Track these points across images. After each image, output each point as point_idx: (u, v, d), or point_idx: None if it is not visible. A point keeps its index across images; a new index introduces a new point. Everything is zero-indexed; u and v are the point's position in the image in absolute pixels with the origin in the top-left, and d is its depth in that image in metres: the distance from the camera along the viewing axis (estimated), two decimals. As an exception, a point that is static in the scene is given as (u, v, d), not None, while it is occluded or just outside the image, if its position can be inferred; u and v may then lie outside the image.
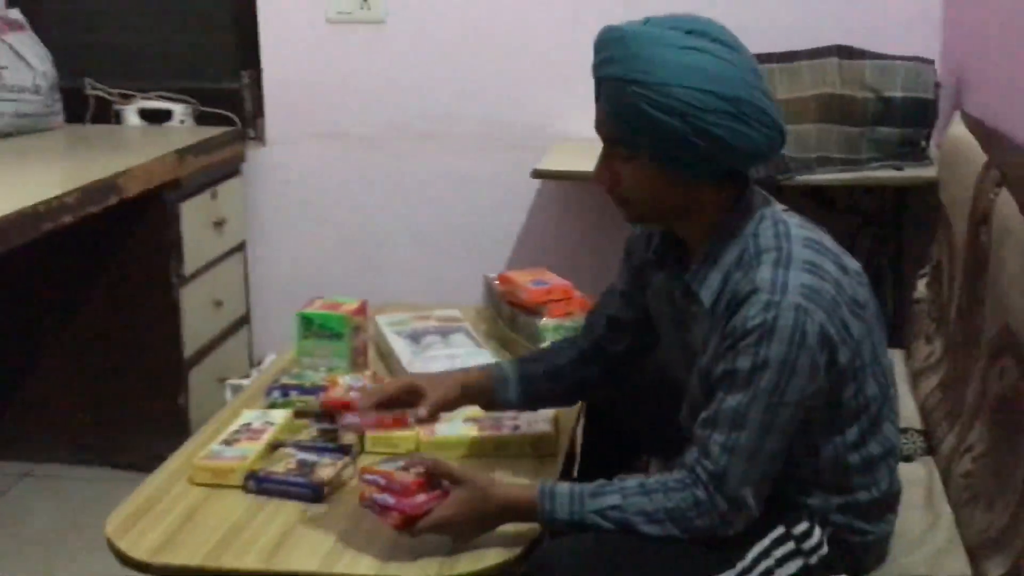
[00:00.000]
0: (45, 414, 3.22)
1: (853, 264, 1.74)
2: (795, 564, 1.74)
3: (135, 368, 3.11)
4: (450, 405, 1.95)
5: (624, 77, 1.64)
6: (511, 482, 1.86)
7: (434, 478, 1.73)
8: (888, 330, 2.99)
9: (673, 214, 1.76)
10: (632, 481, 1.71)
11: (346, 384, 2.08)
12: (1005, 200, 1.94)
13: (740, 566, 1.71)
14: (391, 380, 2.15)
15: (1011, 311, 1.84)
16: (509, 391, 1.98)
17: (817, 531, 1.75)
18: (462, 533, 1.73)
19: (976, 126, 2.44)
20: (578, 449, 2.25)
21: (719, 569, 1.70)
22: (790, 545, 1.74)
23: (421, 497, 1.70)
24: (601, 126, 1.71)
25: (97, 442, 3.19)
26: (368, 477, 1.75)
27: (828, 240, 1.75)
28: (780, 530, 1.74)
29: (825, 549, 1.75)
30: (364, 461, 1.97)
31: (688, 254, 1.78)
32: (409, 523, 1.69)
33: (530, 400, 2.02)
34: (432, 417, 1.93)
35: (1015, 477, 1.73)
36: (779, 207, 1.77)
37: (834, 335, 1.64)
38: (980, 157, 2.21)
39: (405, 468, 1.74)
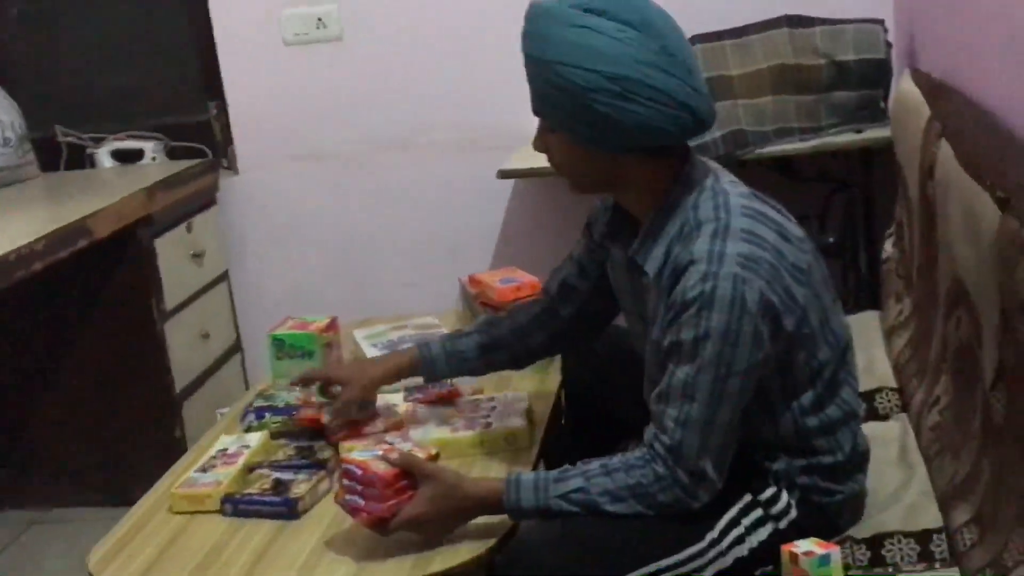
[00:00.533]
0: (48, 460, 3.26)
1: (796, 231, 1.76)
2: (766, 530, 1.76)
3: (130, 406, 3.14)
4: (368, 394, 2.09)
5: (529, 53, 1.72)
6: (483, 478, 1.89)
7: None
8: (867, 292, 3.03)
9: (604, 185, 1.81)
10: (595, 463, 1.73)
11: (319, 400, 2.10)
12: (945, 151, 1.95)
13: (709, 537, 1.73)
14: (310, 370, 2.19)
15: (959, 262, 1.85)
16: (436, 370, 2.09)
17: (784, 495, 1.77)
18: (432, 530, 1.75)
19: (924, 81, 2.45)
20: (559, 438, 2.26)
21: (689, 542, 1.73)
22: (758, 512, 1.76)
23: (391, 500, 1.72)
24: (531, 99, 1.77)
25: (102, 483, 3.22)
26: (345, 466, 1.78)
27: (772, 210, 1.76)
28: (747, 498, 1.76)
29: (794, 512, 1.77)
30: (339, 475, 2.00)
31: (638, 227, 1.81)
32: (379, 523, 1.73)
33: (462, 373, 2.13)
34: (345, 414, 2.06)
35: (974, 425, 1.74)
36: (726, 179, 1.78)
37: (776, 302, 1.65)
38: (925, 111, 2.22)
39: (383, 457, 1.77)
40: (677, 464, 1.66)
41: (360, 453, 1.81)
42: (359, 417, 2.08)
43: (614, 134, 1.69)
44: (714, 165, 1.83)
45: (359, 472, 1.75)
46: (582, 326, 2.08)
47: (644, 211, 1.78)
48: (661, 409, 1.68)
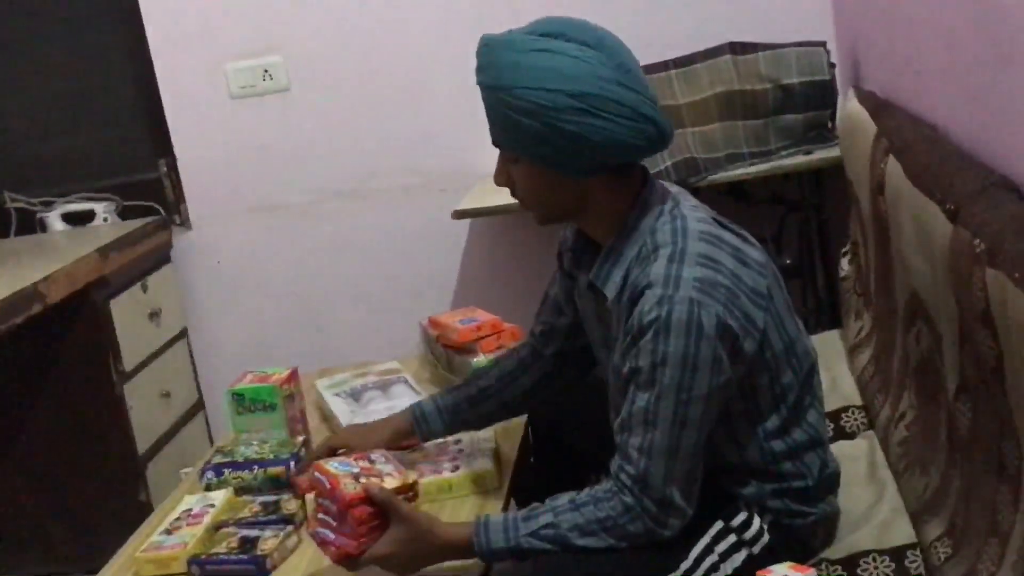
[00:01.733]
0: (15, 530, 3.20)
1: (757, 256, 1.75)
2: (740, 556, 1.74)
3: (93, 470, 3.09)
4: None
5: (487, 83, 1.70)
6: (453, 522, 1.86)
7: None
8: (828, 311, 3.04)
9: (570, 212, 1.79)
10: (563, 498, 1.72)
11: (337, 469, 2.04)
12: (894, 167, 1.97)
13: (683, 567, 1.72)
14: (318, 445, 2.16)
15: (914, 276, 1.86)
16: (431, 427, 2.07)
17: (756, 520, 1.76)
18: (401, 569, 1.73)
19: (868, 99, 2.47)
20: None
21: (662, 573, 1.71)
22: (731, 538, 1.75)
23: (363, 537, 1.70)
24: (490, 132, 1.76)
25: (68, 551, 3.18)
26: (316, 474, 1.76)
27: (731, 235, 1.76)
28: (719, 524, 1.75)
29: (767, 537, 1.76)
30: (308, 528, 1.97)
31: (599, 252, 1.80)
32: (346, 558, 1.71)
33: (459, 427, 2.10)
34: None
35: (941, 438, 1.74)
36: (686, 203, 1.78)
37: (734, 326, 1.65)
38: (872, 129, 2.24)
39: (355, 477, 1.75)
40: (644, 493, 1.65)
41: (336, 465, 1.78)
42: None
43: (582, 153, 1.68)
44: (675, 189, 1.83)
45: (327, 485, 1.72)
46: (569, 363, 2.07)
47: (604, 235, 1.78)
48: (625, 439, 1.67)
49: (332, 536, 1.72)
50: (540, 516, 1.70)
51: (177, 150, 3.48)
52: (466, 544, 1.72)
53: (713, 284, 1.65)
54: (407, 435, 2.08)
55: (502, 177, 1.79)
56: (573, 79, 1.64)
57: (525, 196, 1.79)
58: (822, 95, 2.91)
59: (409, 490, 1.80)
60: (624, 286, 1.71)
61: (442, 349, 2.59)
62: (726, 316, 1.64)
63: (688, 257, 1.67)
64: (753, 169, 2.88)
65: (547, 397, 2.13)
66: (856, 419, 2.22)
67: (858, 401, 2.27)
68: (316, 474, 1.76)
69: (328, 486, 1.73)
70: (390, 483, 1.77)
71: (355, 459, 1.83)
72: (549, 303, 2.06)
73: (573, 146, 1.67)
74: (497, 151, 1.78)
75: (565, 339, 2.04)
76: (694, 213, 1.76)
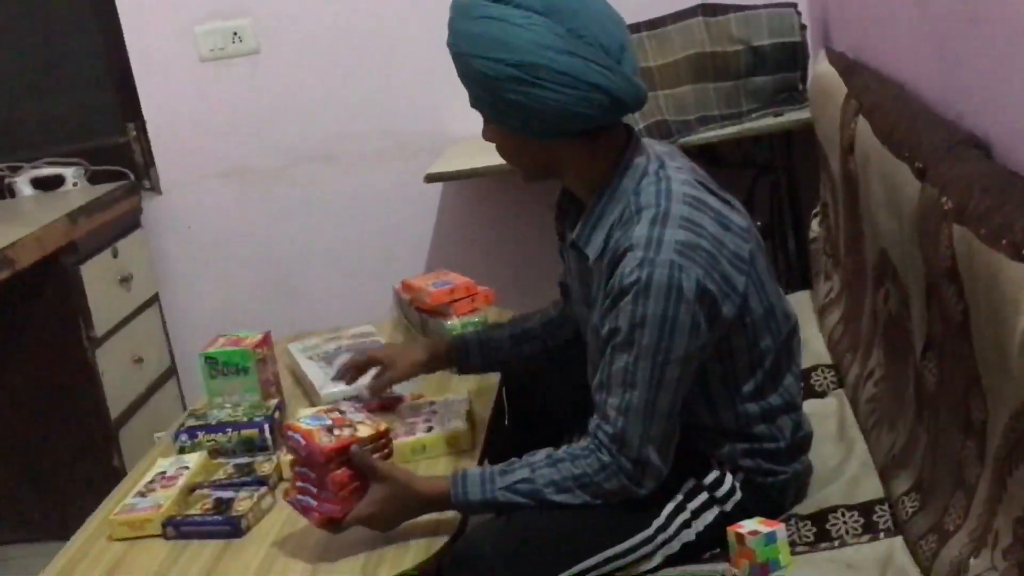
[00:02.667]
0: (-14, 497, 3.20)
1: (740, 221, 1.75)
2: (712, 513, 1.77)
3: (65, 436, 3.09)
4: (411, 374, 2.14)
5: (450, 47, 1.73)
6: (431, 476, 1.88)
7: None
8: (798, 273, 3.07)
9: (546, 172, 1.80)
10: (540, 454, 1.73)
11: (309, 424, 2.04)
12: (863, 127, 1.98)
13: (656, 524, 1.74)
14: (351, 360, 2.22)
15: (883, 235, 1.87)
16: (471, 358, 2.12)
17: (728, 478, 1.78)
18: (382, 527, 1.75)
19: (838, 60, 2.48)
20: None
21: (636, 530, 1.73)
22: (703, 496, 1.77)
23: (344, 501, 1.72)
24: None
25: (41, 518, 3.17)
26: (289, 434, 1.77)
27: (716, 199, 1.75)
28: (691, 483, 1.77)
29: (739, 495, 1.78)
30: (282, 489, 1.97)
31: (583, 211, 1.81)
32: (331, 523, 1.73)
33: (497, 364, 2.16)
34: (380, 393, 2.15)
35: (908, 394, 1.76)
36: (672, 163, 1.77)
37: (714, 289, 1.66)
38: (842, 90, 2.25)
39: (328, 429, 1.76)
40: (621, 452, 1.66)
41: (307, 420, 1.78)
42: (389, 399, 2.16)
43: (533, 121, 1.69)
44: (664, 148, 1.83)
45: (302, 443, 1.73)
46: None
47: (587, 195, 1.78)
48: (603, 398, 1.68)
49: (315, 503, 1.73)
50: (517, 471, 1.71)
51: (146, 114, 3.45)
52: (444, 497, 1.73)
53: (694, 248, 1.65)
54: (443, 362, 2.14)
55: (486, 133, 1.80)
56: (513, 48, 1.64)
57: (504, 154, 1.81)
58: (793, 57, 2.91)
59: (382, 437, 1.80)
60: (606, 247, 1.72)
61: (416, 312, 2.60)
62: (706, 280, 1.64)
63: (671, 220, 1.67)
64: (724, 131, 2.89)
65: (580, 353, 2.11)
66: (826, 378, 2.25)
67: (827, 360, 2.30)
68: (290, 433, 1.77)
69: (303, 442, 1.73)
70: (363, 431, 1.78)
71: (325, 412, 1.83)
72: (562, 262, 2.04)
73: (521, 114, 1.68)
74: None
75: None
76: (679, 175, 1.75)
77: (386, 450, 1.81)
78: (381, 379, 2.14)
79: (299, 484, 1.76)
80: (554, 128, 1.70)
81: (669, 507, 1.75)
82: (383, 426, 1.82)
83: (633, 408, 1.65)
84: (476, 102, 1.75)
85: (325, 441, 1.73)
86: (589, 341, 1.81)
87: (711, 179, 1.82)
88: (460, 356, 2.13)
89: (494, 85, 1.66)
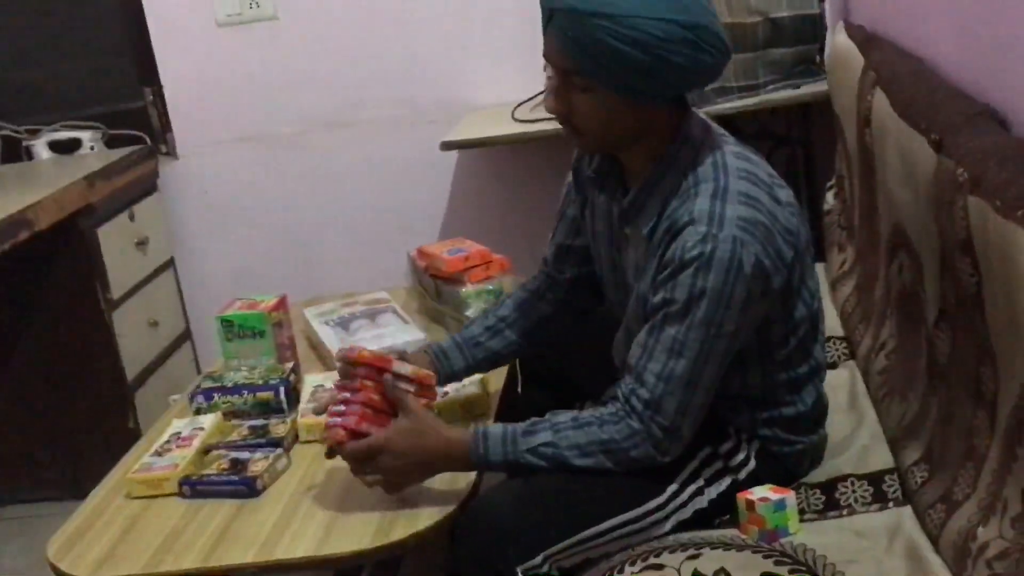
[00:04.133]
0: (3, 456, 3.22)
1: (785, 195, 1.75)
2: (725, 481, 1.78)
3: (82, 397, 3.12)
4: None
5: (584, 9, 1.62)
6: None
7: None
8: (813, 246, 3.06)
9: (624, 142, 1.76)
10: (564, 416, 1.73)
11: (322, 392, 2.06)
12: (880, 99, 1.98)
13: (670, 490, 1.75)
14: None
15: (898, 207, 1.88)
16: (452, 361, 2.00)
17: (744, 447, 1.79)
18: (393, 466, 1.73)
19: (857, 33, 2.47)
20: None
21: (650, 496, 1.74)
22: (718, 464, 1.78)
23: (360, 416, 1.75)
24: (554, 56, 1.70)
25: (57, 476, 3.20)
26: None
27: (763, 171, 1.75)
28: (707, 451, 1.78)
29: (753, 464, 1.79)
30: (297, 451, 2.00)
31: (626, 177, 1.80)
32: (343, 440, 1.74)
33: (481, 362, 2.04)
34: None
35: (920, 366, 1.77)
36: (719, 135, 1.77)
37: (768, 264, 1.66)
38: (860, 62, 2.25)
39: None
40: (653, 420, 1.66)
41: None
42: None
43: (672, 83, 1.67)
44: (706, 120, 1.81)
45: (351, 349, 1.79)
46: (583, 288, 2.03)
47: (641, 164, 1.76)
48: (643, 364, 1.67)
49: (339, 420, 1.75)
50: (539, 433, 1.71)
51: (163, 79, 3.46)
52: (463, 449, 1.73)
53: (754, 223, 1.65)
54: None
55: (562, 104, 1.71)
56: (686, 10, 1.62)
57: (586, 123, 1.72)
58: (811, 29, 2.90)
59: (425, 383, 1.81)
60: (659, 219, 1.71)
61: (430, 279, 2.61)
62: (763, 256, 1.65)
63: (730, 195, 1.67)
64: (741, 103, 2.88)
65: (564, 326, 2.08)
66: (838, 349, 2.25)
67: (840, 332, 2.30)
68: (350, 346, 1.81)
69: (351, 348, 1.80)
70: (406, 368, 1.80)
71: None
72: (565, 223, 2.02)
73: (670, 76, 1.65)
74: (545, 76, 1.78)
75: (581, 262, 2.01)
76: (728, 147, 1.74)
77: (425, 399, 1.81)
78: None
79: (332, 408, 1.78)
80: (682, 90, 1.72)
81: (684, 474, 1.76)
82: (431, 377, 1.82)
83: (676, 377, 1.65)
84: (600, 66, 1.64)
85: (367, 354, 1.77)
86: (629, 307, 1.80)
87: (750, 151, 1.81)
88: (441, 364, 1.98)
89: (660, 46, 1.60)
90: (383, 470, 1.74)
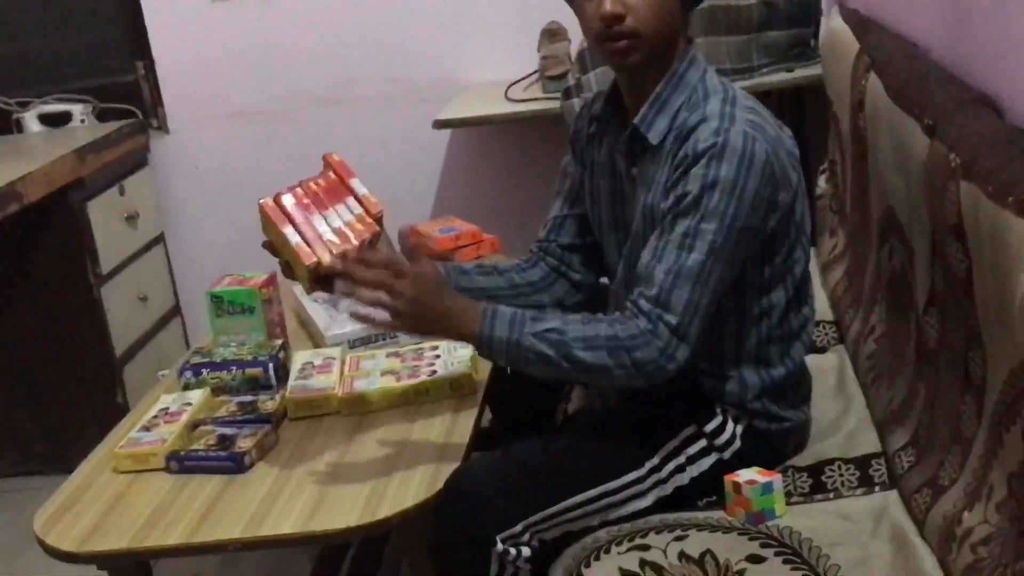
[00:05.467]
0: (-11, 430, 3.23)
1: (788, 137, 1.80)
2: (708, 460, 1.79)
3: (70, 372, 3.11)
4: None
5: None
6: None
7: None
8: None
9: (666, 49, 1.75)
10: (576, 314, 1.73)
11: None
12: (874, 83, 1.98)
13: (649, 464, 1.76)
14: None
15: (890, 192, 1.88)
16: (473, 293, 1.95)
17: (730, 426, 1.80)
18: (410, 296, 1.68)
19: (851, 17, 2.47)
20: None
21: (628, 469, 1.75)
22: (702, 443, 1.79)
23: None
24: None
25: (44, 451, 3.20)
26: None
27: (766, 111, 1.80)
28: (691, 428, 1.79)
29: (739, 443, 1.79)
30: (286, 428, 2.00)
31: (631, 116, 1.80)
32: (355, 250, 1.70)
33: (464, 289, 1.97)
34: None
35: (909, 351, 1.77)
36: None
37: (776, 170, 1.69)
38: (855, 46, 2.24)
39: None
40: (660, 318, 1.65)
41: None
42: None
43: None
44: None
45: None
46: (580, 254, 2.00)
47: (655, 83, 1.77)
48: (652, 266, 1.67)
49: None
50: (548, 319, 1.70)
51: (155, 53, 3.45)
52: (471, 318, 1.70)
53: (762, 127, 1.70)
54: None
55: (621, 5, 1.69)
56: None
57: (644, 24, 1.70)
58: (806, 12, 2.90)
59: (373, 208, 1.77)
60: (669, 130, 1.74)
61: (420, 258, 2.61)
62: (772, 157, 1.68)
63: (739, 104, 1.72)
64: (735, 86, 2.87)
65: (554, 296, 2.01)
66: (827, 334, 2.26)
67: (829, 316, 2.31)
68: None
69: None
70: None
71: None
72: (561, 197, 2.01)
73: None
74: None
75: (577, 232, 1.99)
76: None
77: (368, 230, 1.76)
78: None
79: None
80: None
81: (665, 450, 1.77)
82: (376, 205, 1.78)
83: (686, 271, 1.65)
84: None
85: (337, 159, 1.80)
86: (635, 224, 1.80)
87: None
88: (465, 284, 1.97)
89: None
90: (397, 293, 1.68)
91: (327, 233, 1.75)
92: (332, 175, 1.82)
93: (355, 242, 1.74)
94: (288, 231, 1.77)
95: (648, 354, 1.65)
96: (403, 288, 1.68)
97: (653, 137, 1.76)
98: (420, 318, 1.70)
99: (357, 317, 1.76)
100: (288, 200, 1.80)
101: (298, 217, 1.77)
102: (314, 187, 1.81)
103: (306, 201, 1.80)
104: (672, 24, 1.74)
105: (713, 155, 1.65)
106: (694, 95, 1.75)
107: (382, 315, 1.70)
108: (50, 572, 2.67)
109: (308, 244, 1.74)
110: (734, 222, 1.65)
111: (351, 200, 1.79)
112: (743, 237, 1.67)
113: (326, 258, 1.71)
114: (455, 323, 1.72)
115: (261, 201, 1.82)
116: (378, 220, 1.78)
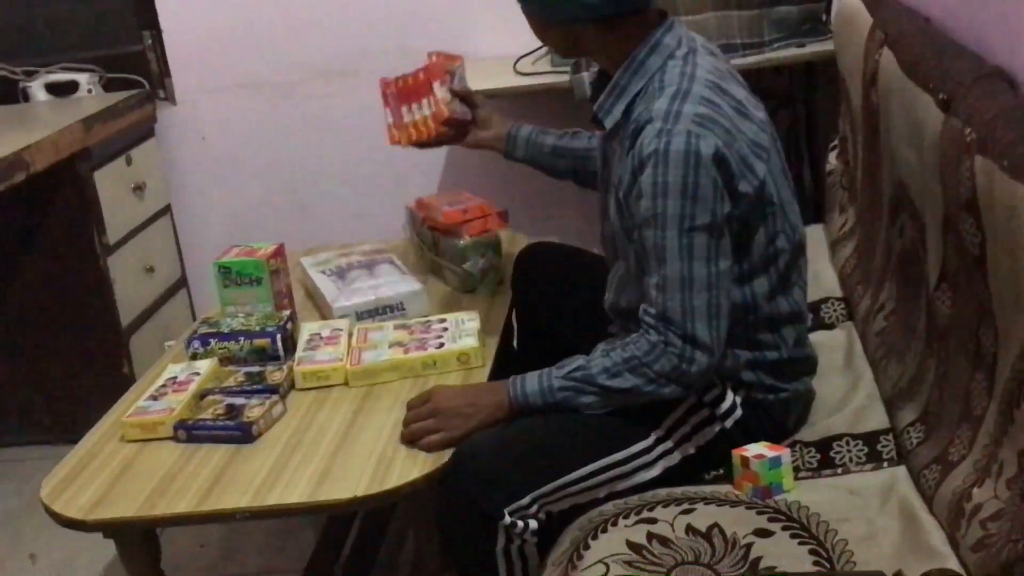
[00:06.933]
0: (-4, 400, 3.23)
1: (760, 115, 1.78)
2: (712, 430, 1.79)
3: (76, 342, 3.11)
4: (477, 145, 2.28)
5: None
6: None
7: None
8: (812, 206, 3.06)
9: (574, 52, 1.89)
10: (597, 349, 1.77)
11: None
12: (887, 58, 1.96)
13: (655, 435, 1.77)
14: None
15: (902, 167, 1.87)
16: (517, 149, 2.23)
17: (730, 395, 1.80)
18: (447, 407, 1.79)
19: (865, -8, 2.44)
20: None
21: (635, 440, 1.76)
22: (704, 412, 1.79)
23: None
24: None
25: (51, 420, 3.21)
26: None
27: (739, 88, 1.79)
28: (692, 399, 1.79)
29: (740, 412, 1.80)
30: (293, 399, 2.00)
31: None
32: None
33: (537, 166, 2.25)
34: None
35: (919, 327, 1.77)
36: (704, 51, 1.80)
37: (730, 158, 1.67)
38: (867, 21, 2.23)
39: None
40: (667, 329, 1.68)
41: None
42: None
43: (548, 10, 1.78)
44: (699, 39, 1.84)
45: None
46: None
47: (614, 70, 1.80)
48: (646, 282, 1.71)
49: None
50: (573, 361, 1.76)
51: (162, 22, 3.42)
52: (499, 392, 1.79)
53: (712, 121, 1.67)
54: (501, 143, 2.24)
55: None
56: None
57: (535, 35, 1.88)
58: (818, -13, 2.88)
59: (441, 115, 2.19)
60: (627, 119, 1.75)
61: (428, 231, 2.60)
62: (724, 149, 1.66)
63: (691, 97, 1.70)
64: (745, 60, 2.85)
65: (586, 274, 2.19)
66: (836, 310, 2.25)
67: (838, 293, 2.30)
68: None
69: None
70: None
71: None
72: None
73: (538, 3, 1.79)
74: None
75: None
76: (706, 62, 1.77)
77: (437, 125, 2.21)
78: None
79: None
80: (568, 16, 1.77)
81: (669, 420, 1.78)
82: (446, 117, 2.19)
83: (669, 281, 1.67)
84: (524, 8, 1.83)
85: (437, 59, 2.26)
86: (609, 219, 1.84)
87: (740, 76, 1.84)
88: (509, 142, 2.22)
89: None
90: (436, 410, 1.78)
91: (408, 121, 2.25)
92: (421, 75, 2.22)
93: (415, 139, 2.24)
94: (386, 112, 2.29)
95: (667, 364, 1.68)
96: (429, 411, 1.79)
97: (608, 123, 1.79)
98: (457, 418, 1.78)
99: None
100: (391, 89, 2.28)
101: (392, 103, 2.28)
102: (411, 81, 2.24)
103: (398, 90, 2.27)
104: (557, 40, 1.85)
105: (656, 161, 1.65)
106: (650, 86, 1.74)
107: (431, 440, 1.77)
108: (55, 540, 2.69)
109: (393, 128, 2.28)
110: (695, 221, 1.65)
111: (429, 99, 2.20)
112: (714, 230, 1.67)
113: (403, 141, 2.26)
114: (487, 401, 1.80)
115: (380, 79, 2.32)
116: (446, 123, 2.19)
